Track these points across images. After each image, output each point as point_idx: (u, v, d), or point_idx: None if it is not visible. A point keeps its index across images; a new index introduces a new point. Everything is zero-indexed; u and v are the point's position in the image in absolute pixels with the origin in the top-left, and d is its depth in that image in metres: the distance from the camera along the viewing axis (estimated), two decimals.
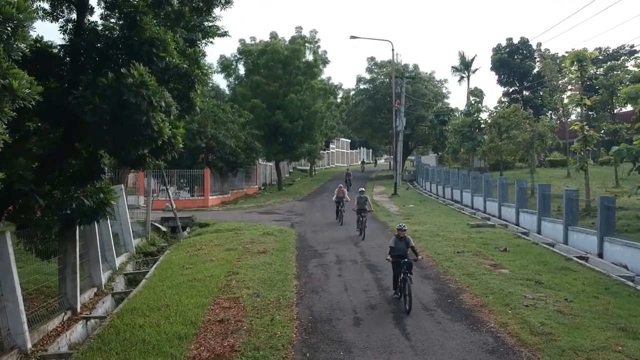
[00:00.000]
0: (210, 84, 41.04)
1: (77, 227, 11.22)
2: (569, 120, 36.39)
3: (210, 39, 20.31)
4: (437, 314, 9.78)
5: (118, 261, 15.69)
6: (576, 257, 14.73)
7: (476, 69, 56.29)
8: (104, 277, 13.81)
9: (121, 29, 9.90)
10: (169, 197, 20.96)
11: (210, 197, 29.83)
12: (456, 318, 9.52)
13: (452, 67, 54.69)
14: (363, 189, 19.68)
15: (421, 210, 26.03)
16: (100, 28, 10.03)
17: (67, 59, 10.14)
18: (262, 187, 43.45)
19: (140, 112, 8.68)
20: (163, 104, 9.13)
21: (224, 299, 10.86)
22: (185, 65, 10.13)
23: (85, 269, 13.07)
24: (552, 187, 24.73)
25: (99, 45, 9.81)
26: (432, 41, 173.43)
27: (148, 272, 14.97)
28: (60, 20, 10.37)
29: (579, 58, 19.87)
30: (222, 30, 19.92)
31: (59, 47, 10.10)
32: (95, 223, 12.96)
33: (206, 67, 11.10)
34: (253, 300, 10.64)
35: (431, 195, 35.27)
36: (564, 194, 17.01)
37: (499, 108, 33.25)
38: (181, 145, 10.66)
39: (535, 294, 10.70)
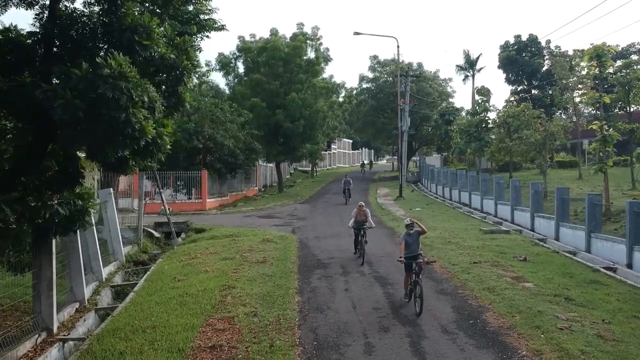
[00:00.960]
0: (209, 84, 39.95)
1: (54, 238, 10.05)
2: (580, 119, 35.06)
3: (207, 33, 18.92)
4: (460, 339, 8.57)
5: (105, 271, 14.53)
6: (603, 267, 13.53)
7: (481, 68, 55.05)
8: (87, 290, 12.63)
9: (100, 14, 8.72)
10: (162, 200, 19.77)
11: (208, 200, 28.64)
12: (482, 344, 8.32)
13: (457, 65, 53.44)
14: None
15: (429, 214, 24.82)
16: (76, 14, 8.85)
17: (40, 49, 8.98)
18: (263, 189, 42.28)
19: (119, 108, 7.49)
20: (146, 98, 7.93)
21: (218, 319, 9.66)
22: (172, 56, 8.94)
23: (66, 283, 11.89)
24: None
25: (74, 33, 8.63)
26: (435, 39, 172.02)
27: (137, 283, 13.82)
28: (36, 7, 9.21)
29: (598, 53, 18.65)
30: (218, 24, 18.48)
31: (33, 38, 8.93)
32: (78, 231, 11.89)
33: (196, 59, 9.89)
34: (250, 321, 9.45)
35: (437, 198, 34.06)
36: (586, 198, 15.81)
37: (507, 107, 31.95)
38: (168, 146, 9.45)
39: (567, 314, 9.49)
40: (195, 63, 9.96)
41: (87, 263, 13.72)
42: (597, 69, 19.44)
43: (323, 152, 47.37)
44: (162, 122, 9.28)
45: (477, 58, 53.12)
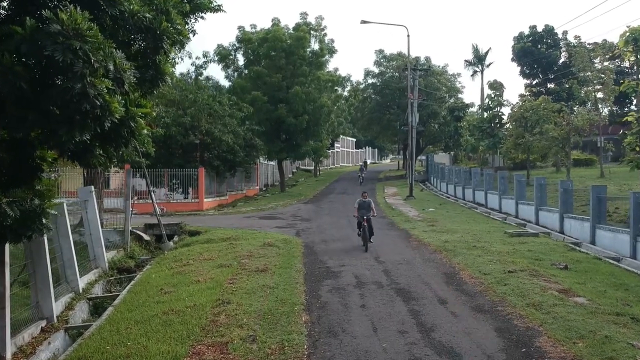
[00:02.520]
0: (210, 80, 38.04)
1: (7, 246, 8.21)
2: (602, 114, 33.07)
3: (201, 14, 16.98)
4: None
5: (83, 281, 12.69)
6: None
7: (490, 63, 53.25)
8: (58, 305, 10.79)
9: None
10: (152, 200, 17.92)
11: (205, 200, 26.79)
12: None
13: (465, 60, 51.63)
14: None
15: (444, 214, 22.95)
16: None
17: None
18: (264, 188, 40.43)
19: (73, 76, 5.66)
20: (111, 66, 6.09)
21: (208, 346, 7.80)
22: (148, 15, 7.07)
23: (31, 297, 10.05)
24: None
25: None
26: (442, 34, 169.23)
27: (119, 294, 11.98)
28: None
29: (636, 37, 16.72)
30: (215, 4, 16.56)
31: None
32: (47, 234, 10.10)
33: (180, 23, 8.00)
34: (247, 349, 7.58)
35: (449, 197, 32.15)
36: (632, 197, 13.90)
37: (524, 100, 29.98)
38: (145, 131, 7.61)
39: None
40: (180, 29, 8.08)
41: (60, 272, 11.93)
42: (635, 54, 17.47)
43: (327, 149, 45.34)
44: (139, 101, 7.42)
45: (486, 53, 51.30)
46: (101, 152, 7.55)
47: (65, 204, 12.19)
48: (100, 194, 16.47)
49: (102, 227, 16.65)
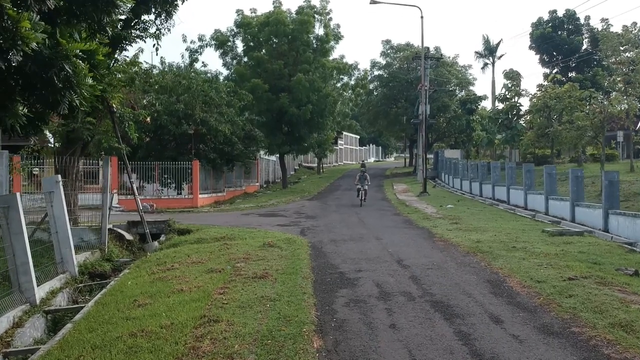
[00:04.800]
0: (207, 67, 35.71)
1: None
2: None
3: None
4: None
5: (43, 289, 10.39)
6: None
7: (502, 55, 50.85)
8: (2, 321, 8.49)
9: None
10: (134, 192, 15.62)
11: (200, 196, 24.49)
12: None
13: (475, 52, 49.36)
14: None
15: (465, 211, 20.64)
16: None
17: None
18: (264, 185, 38.13)
19: None
20: None
21: None
22: None
23: None
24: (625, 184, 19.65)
25: None
26: (452, 23, 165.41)
27: (84, 307, 9.69)
28: None
29: None
30: None
31: None
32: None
33: None
34: None
35: (464, 194, 29.80)
36: None
37: (548, 88, 27.56)
38: (90, 81, 5.36)
39: None
40: None
41: (12, 278, 9.64)
42: None
43: (332, 143, 42.91)
44: (73, 38, 5.15)
45: (498, 44, 48.94)
46: (26, 110, 5.25)
47: (19, 195, 9.89)
48: (74, 185, 14.18)
49: (76, 224, 14.40)
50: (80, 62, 5.04)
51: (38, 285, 10.24)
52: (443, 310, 8.01)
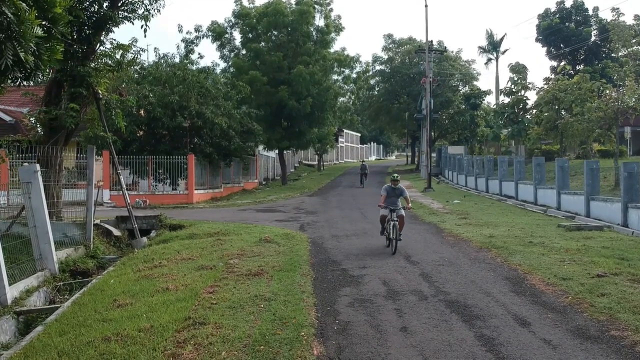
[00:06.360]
0: (203, 59, 34.75)
1: None
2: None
3: None
4: None
5: (17, 288, 9.47)
6: None
7: (506, 50, 49.88)
8: None
9: None
10: (122, 185, 14.67)
11: (196, 192, 23.54)
12: None
13: (479, 47, 48.29)
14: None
15: (473, 207, 19.70)
16: None
17: None
18: (263, 182, 37.16)
19: None
20: None
21: None
22: None
23: None
24: None
25: None
26: (455, 17, 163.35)
27: (60, 307, 8.77)
28: None
29: None
30: None
31: None
32: None
33: None
34: None
35: (469, 190, 28.85)
36: None
37: (558, 79, 26.57)
38: (40, 32, 4.36)
39: None
40: None
41: None
42: None
43: (333, 138, 41.76)
44: None
45: (502, 39, 48.11)
46: None
47: None
48: (57, 177, 13.24)
49: (59, 219, 13.46)
50: (23, 5, 4.11)
51: (11, 284, 9.33)
52: (460, 311, 7.06)
